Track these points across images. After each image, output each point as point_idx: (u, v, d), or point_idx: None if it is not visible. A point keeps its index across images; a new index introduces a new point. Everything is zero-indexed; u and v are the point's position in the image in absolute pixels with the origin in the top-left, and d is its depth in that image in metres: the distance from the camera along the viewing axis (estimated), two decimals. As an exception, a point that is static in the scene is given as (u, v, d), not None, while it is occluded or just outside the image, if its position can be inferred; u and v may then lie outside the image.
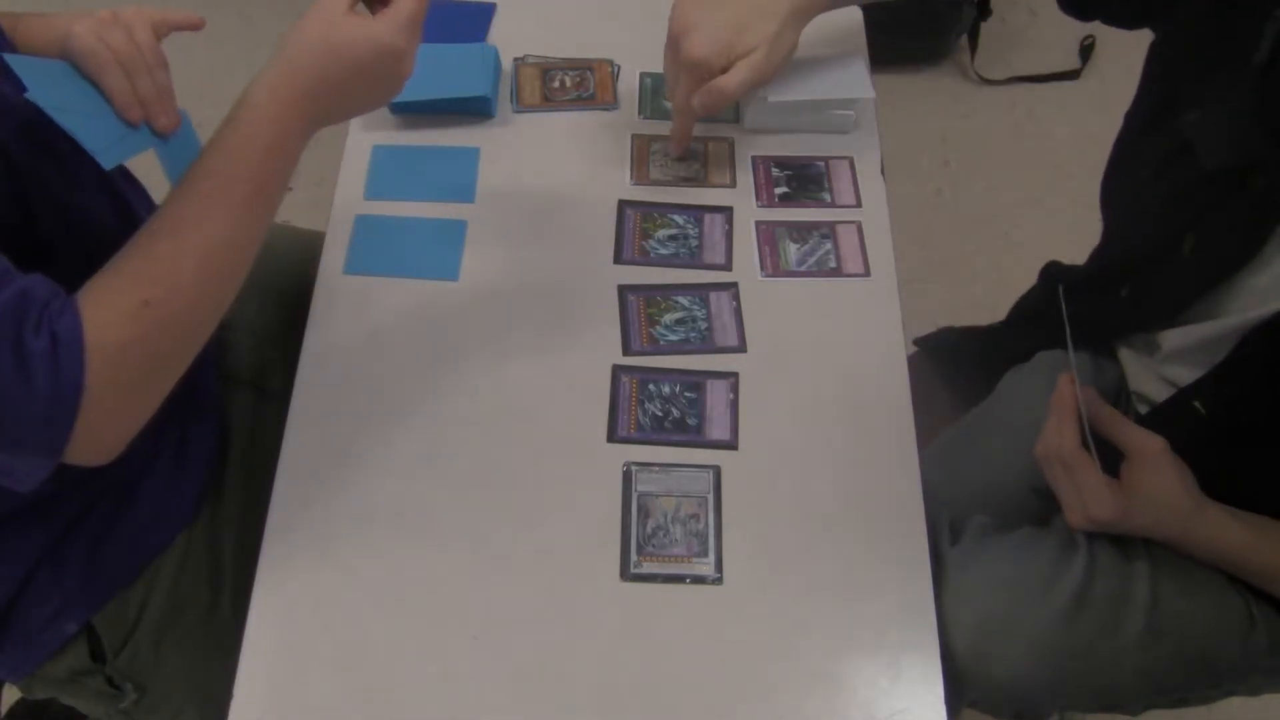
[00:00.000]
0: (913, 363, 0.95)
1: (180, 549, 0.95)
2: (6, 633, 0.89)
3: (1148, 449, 0.85)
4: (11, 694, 1.35)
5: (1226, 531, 0.87)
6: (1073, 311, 0.91)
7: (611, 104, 1.10)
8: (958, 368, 1.24)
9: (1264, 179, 0.83)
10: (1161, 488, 0.85)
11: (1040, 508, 1.00)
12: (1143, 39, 1.00)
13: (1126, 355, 1.07)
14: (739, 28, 0.94)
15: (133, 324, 0.70)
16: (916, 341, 1.28)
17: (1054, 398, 0.88)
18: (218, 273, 0.75)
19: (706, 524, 0.84)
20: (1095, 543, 0.91)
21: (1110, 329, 1.07)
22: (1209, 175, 0.86)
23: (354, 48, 0.77)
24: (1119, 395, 1.07)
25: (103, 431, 0.71)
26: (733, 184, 1.04)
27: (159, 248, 0.73)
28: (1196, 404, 0.91)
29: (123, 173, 0.91)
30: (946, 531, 0.94)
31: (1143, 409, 1.03)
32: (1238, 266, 0.87)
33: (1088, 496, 0.85)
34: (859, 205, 1.04)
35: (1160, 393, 1.00)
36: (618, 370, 0.92)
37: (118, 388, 0.70)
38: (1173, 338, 0.97)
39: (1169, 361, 0.98)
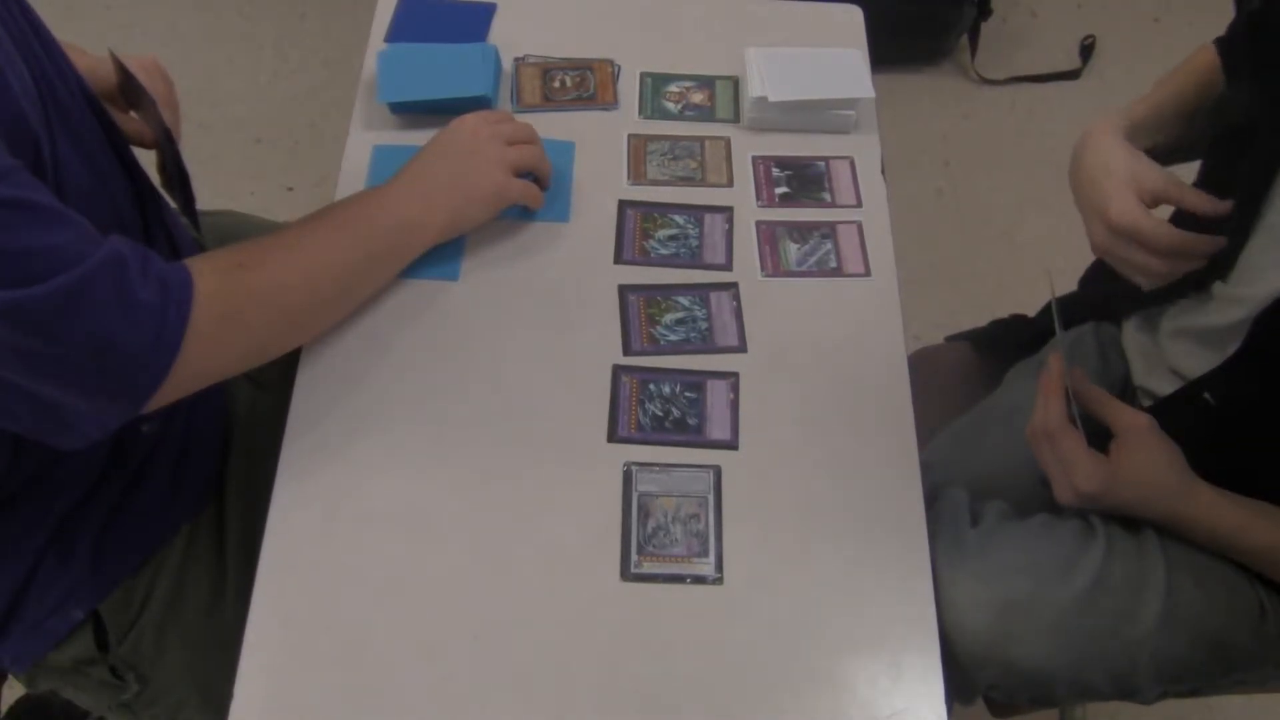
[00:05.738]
0: (961, 356, 0.95)
1: (184, 540, 0.96)
2: (16, 620, 0.89)
3: (1135, 425, 0.87)
4: (10, 695, 1.36)
5: (1219, 512, 0.88)
6: (1085, 292, 0.92)
7: (612, 104, 1.10)
8: (1009, 359, 1.23)
9: (1261, 138, 0.84)
10: (1148, 463, 0.87)
11: (1049, 498, 1.01)
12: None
13: (1133, 351, 1.07)
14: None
15: (222, 276, 0.78)
16: (966, 335, 1.26)
17: (1042, 377, 0.90)
18: (311, 282, 0.84)
19: (707, 524, 0.84)
20: (1111, 528, 0.92)
21: (1122, 306, 1.07)
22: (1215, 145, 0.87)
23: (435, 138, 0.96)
24: (1125, 390, 1.08)
25: (183, 380, 0.75)
26: (729, 183, 1.04)
27: (268, 240, 0.83)
28: (1207, 395, 0.91)
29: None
30: (967, 515, 0.94)
31: (1147, 404, 1.04)
32: (1245, 233, 0.87)
33: (1073, 470, 0.86)
34: (859, 205, 1.04)
35: (1165, 387, 1.00)
36: (618, 370, 0.92)
37: (200, 337, 0.74)
38: (1175, 316, 0.98)
39: (1176, 338, 0.98)
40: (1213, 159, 0.97)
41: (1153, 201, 0.88)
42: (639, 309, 0.95)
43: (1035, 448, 0.90)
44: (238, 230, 1.14)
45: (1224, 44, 0.95)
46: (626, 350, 0.93)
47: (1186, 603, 0.90)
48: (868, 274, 0.99)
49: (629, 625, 0.80)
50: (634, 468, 0.86)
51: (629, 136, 1.08)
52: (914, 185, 2.15)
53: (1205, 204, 0.88)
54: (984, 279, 2.03)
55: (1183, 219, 0.92)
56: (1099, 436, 0.89)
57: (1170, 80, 0.98)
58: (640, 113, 1.10)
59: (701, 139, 1.08)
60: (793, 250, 1.00)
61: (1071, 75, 2.33)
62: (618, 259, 0.99)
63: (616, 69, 1.13)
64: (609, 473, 0.86)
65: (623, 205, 1.02)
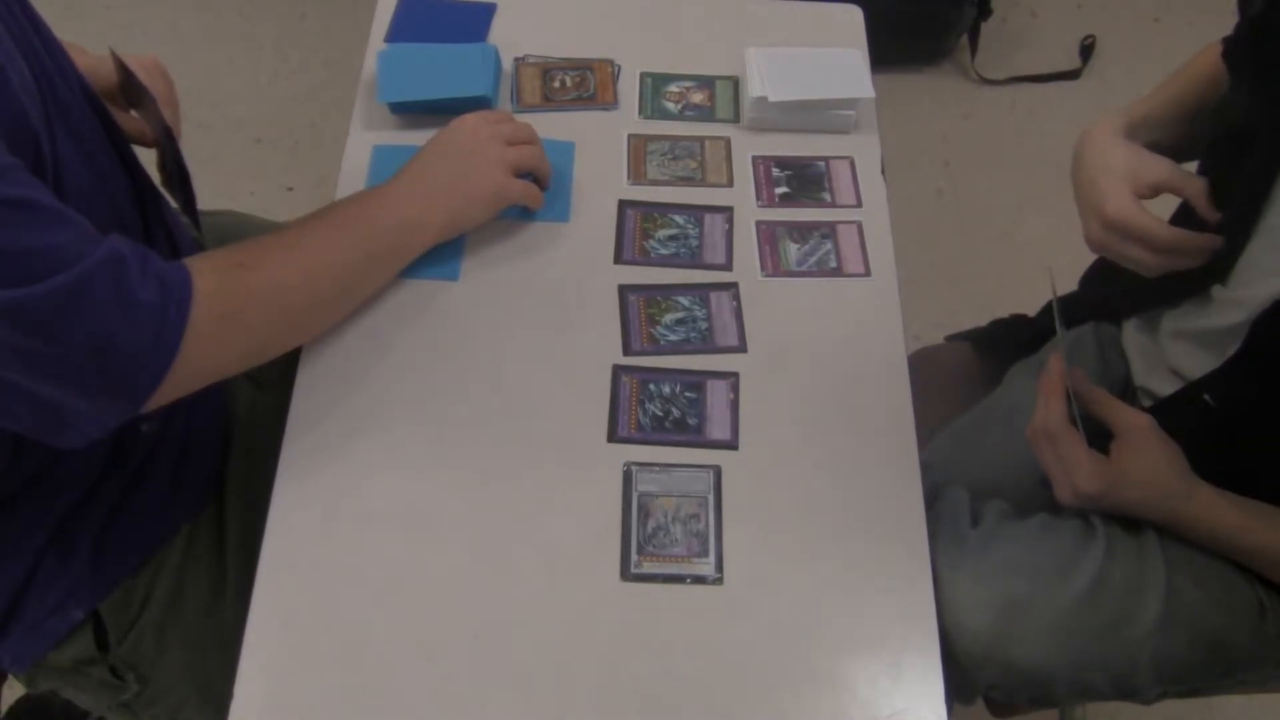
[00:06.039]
0: (961, 356, 0.95)
1: (184, 540, 0.96)
2: (16, 620, 0.89)
3: (1136, 425, 0.87)
4: (11, 695, 1.36)
5: (1219, 512, 0.88)
6: (1085, 292, 0.92)
7: (612, 104, 1.10)
8: (1009, 359, 1.23)
9: (1261, 140, 0.84)
10: (1149, 464, 0.87)
11: (1048, 499, 1.01)
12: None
13: (1133, 351, 1.07)
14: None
15: (222, 276, 0.78)
16: (966, 335, 1.27)
17: (1042, 377, 0.90)
18: (311, 282, 0.84)
19: (707, 524, 0.84)
20: (1112, 529, 0.92)
21: (1122, 306, 1.07)
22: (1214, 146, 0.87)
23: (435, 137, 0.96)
24: (1125, 390, 1.08)
25: (182, 379, 0.75)
26: (729, 183, 1.04)
27: (268, 240, 0.83)
28: (1206, 396, 0.92)
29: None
30: (967, 515, 0.95)
31: (1147, 404, 1.04)
32: (1245, 235, 0.87)
33: (1074, 470, 0.87)
34: (859, 205, 1.04)
35: (1165, 388, 1.00)
36: (618, 370, 0.92)
37: (200, 337, 0.74)
38: (1175, 317, 0.98)
39: (1176, 339, 0.98)
40: (1211, 159, 0.97)
41: (1152, 193, 0.89)
42: (639, 309, 0.95)
43: (1036, 448, 0.90)
44: (238, 230, 1.14)
45: (1228, 46, 0.95)
46: (626, 350, 0.93)
47: (1186, 603, 0.90)
48: (868, 274, 0.99)
49: (629, 625, 0.80)
50: (634, 468, 0.86)
51: (629, 136, 1.08)
52: (914, 185, 2.15)
53: (1204, 201, 0.89)
54: (984, 279, 2.03)
55: (1183, 218, 0.92)
56: (1099, 437, 0.89)
57: (1172, 82, 0.98)
58: (640, 113, 1.10)
59: (701, 139, 1.08)
60: (793, 250, 1.00)
61: (1071, 75, 2.33)
62: (618, 259, 0.99)
63: (616, 69, 1.13)
64: (609, 473, 0.86)
65: (623, 205, 1.02)
